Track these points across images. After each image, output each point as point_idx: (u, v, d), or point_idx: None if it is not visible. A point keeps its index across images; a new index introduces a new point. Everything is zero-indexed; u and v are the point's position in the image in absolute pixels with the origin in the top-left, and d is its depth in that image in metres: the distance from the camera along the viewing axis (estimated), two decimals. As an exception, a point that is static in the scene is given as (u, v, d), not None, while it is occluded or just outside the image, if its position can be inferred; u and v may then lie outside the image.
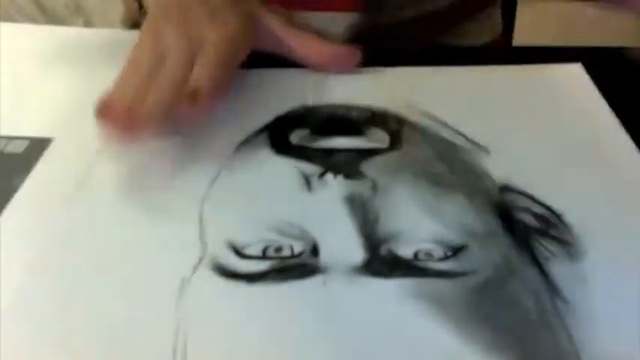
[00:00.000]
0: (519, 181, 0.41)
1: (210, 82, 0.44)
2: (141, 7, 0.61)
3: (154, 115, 0.43)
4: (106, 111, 0.42)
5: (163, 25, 0.47)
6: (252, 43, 0.49)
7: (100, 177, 0.43)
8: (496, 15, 0.76)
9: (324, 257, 0.37)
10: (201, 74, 0.44)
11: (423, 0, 0.65)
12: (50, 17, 0.77)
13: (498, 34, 0.76)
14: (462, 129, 0.45)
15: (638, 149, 0.44)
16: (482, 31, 0.73)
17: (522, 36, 0.90)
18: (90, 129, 0.46)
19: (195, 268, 0.36)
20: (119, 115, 0.42)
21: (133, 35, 0.58)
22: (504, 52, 0.66)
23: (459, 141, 0.45)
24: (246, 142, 0.45)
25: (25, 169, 0.43)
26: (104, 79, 0.52)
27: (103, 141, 0.43)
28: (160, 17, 0.49)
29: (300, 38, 0.51)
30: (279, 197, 0.41)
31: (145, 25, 0.50)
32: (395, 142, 0.44)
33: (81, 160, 0.44)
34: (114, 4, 0.75)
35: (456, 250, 0.37)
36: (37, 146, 0.45)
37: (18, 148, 0.45)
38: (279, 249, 0.37)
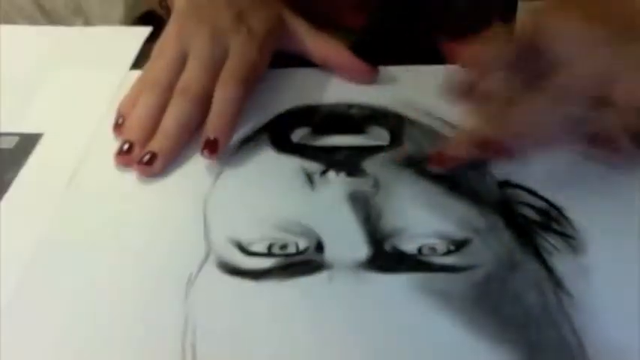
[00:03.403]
0: (520, 176, 0.41)
1: (229, 128, 0.44)
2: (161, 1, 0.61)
3: (170, 141, 0.44)
4: (123, 154, 0.43)
5: (191, 25, 0.48)
6: (277, 46, 0.50)
7: (92, 173, 0.43)
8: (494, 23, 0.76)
9: (329, 254, 0.37)
10: (221, 117, 0.44)
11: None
12: (50, 17, 0.77)
13: None
14: (461, 126, 0.45)
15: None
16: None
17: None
18: (80, 124, 0.46)
19: (201, 266, 0.37)
20: (136, 157, 0.43)
21: (131, 31, 0.58)
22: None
23: None
24: (248, 141, 0.45)
25: (16, 165, 0.44)
26: (100, 74, 0.52)
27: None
28: (189, 16, 0.49)
29: (321, 43, 0.51)
30: (282, 195, 0.41)
31: (172, 21, 0.50)
32: (396, 140, 0.45)
33: (72, 155, 0.45)
34: (114, 4, 0.75)
35: (459, 245, 0.37)
36: (28, 142, 0.46)
37: (8, 144, 0.46)
38: (284, 246, 0.37)
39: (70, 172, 0.43)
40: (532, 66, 0.40)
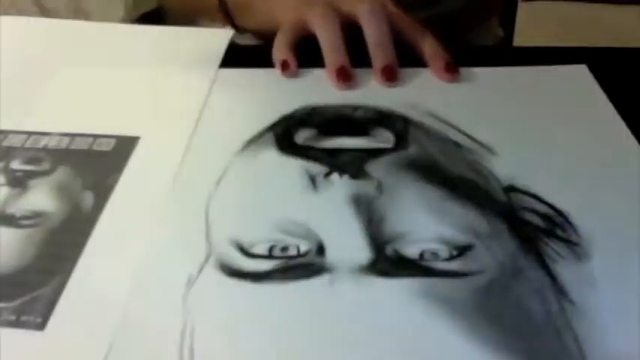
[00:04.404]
0: (525, 182, 0.41)
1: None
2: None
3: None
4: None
5: None
6: None
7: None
8: (495, 23, 0.77)
9: (330, 257, 0.37)
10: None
11: (432, 3, 0.66)
12: (51, 17, 0.77)
13: (499, 37, 0.76)
14: (467, 129, 0.45)
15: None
16: (484, 38, 0.73)
17: (522, 36, 0.90)
18: (176, 126, 0.47)
19: (201, 267, 0.36)
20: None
21: (215, 32, 0.58)
22: (507, 52, 0.66)
23: (464, 141, 0.45)
24: (252, 142, 0.45)
25: (116, 168, 0.44)
26: (189, 74, 0.53)
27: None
28: None
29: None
30: (284, 197, 0.41)
31: None
32: (400, 143, 0.45)
33: (173, 158, 0.44)
34: (114, 4, 0.75)
35: (461, 250, 0.37)
36: (125, 144, 0.46)
37: (106, 146, 0.46)
38: (285, 248, 0.37)
39: (172, 175, 0.43)
40: None
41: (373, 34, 0.51)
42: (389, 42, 0.51)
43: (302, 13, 0.53)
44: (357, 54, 0.51)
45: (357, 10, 0.52)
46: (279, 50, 0.52)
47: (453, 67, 0.50)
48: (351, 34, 0.52)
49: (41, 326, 0.34)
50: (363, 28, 0.51)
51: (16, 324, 0.34)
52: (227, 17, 0.61)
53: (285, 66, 0.51)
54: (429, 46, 0.52)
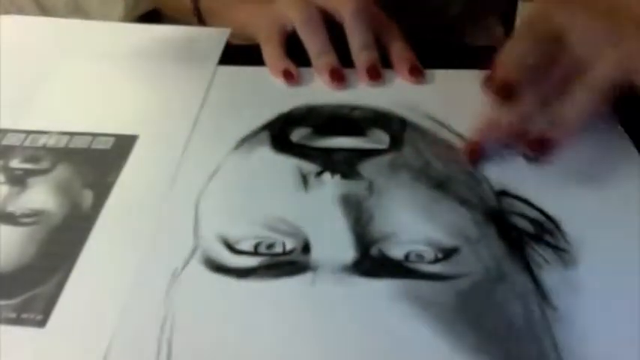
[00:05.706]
0: (517, 187, 0.41)
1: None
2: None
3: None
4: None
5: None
6: None
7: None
8: (494, 23, 0.76)
9: (315, 255, 0.37)
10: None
11: (433, 12, 0.66)
12: (50, 16, 0.77)
13: (499, 37, 0.76)
14: (464, 132, 0.45)
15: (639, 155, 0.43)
16: (483, 37, 0.73)
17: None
18: (174, 124, 0.47)
19: (186, 261, 0.37)
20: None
21: (213, 32, 0.58)
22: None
23: (459, 144, 0.44)
24: (247, 139, 0.45)
25: (115, 166, 0.44)
26: (186, 72, 0.53)
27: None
28: None
29: None
30: (274, 194, 0.41)
31: None
32: (395, 144, 0.44)
33: (171, 156, 0.45)
34: (114, 4, 0.75)
35: (447, 253, 0.37)
36: (123, 143, 0.46)
37: (104, 144, 0.46)
38: (271, 245, 0.37)
39: (170, 173, 0.43)
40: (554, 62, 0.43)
41: (358, 37, 0.51)
42: (373, 44, 0.51)
43: (280, 15, 0.53)
44: (342, 51, 0.51)
45: (341, 9, 0.51)
46: (276, 61, 0.52)
47: (417, 70, 0.51)
48: (331, 29, 0.52)
49: (42, 324, 0.34)
50: (346, 29, 0.51)
51: (17, 321, 0.34)
52: (201, 23, 0.61)
53: (288, 75, 0.51)
54: (397, 48, 0.52)
